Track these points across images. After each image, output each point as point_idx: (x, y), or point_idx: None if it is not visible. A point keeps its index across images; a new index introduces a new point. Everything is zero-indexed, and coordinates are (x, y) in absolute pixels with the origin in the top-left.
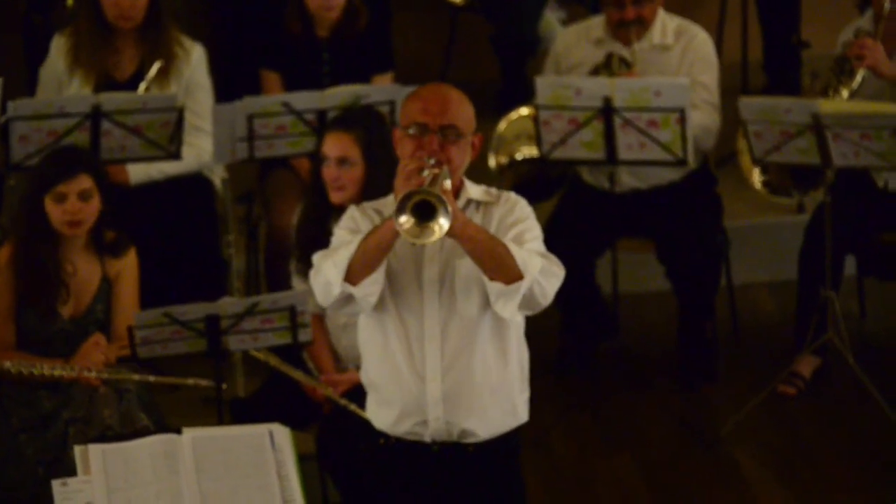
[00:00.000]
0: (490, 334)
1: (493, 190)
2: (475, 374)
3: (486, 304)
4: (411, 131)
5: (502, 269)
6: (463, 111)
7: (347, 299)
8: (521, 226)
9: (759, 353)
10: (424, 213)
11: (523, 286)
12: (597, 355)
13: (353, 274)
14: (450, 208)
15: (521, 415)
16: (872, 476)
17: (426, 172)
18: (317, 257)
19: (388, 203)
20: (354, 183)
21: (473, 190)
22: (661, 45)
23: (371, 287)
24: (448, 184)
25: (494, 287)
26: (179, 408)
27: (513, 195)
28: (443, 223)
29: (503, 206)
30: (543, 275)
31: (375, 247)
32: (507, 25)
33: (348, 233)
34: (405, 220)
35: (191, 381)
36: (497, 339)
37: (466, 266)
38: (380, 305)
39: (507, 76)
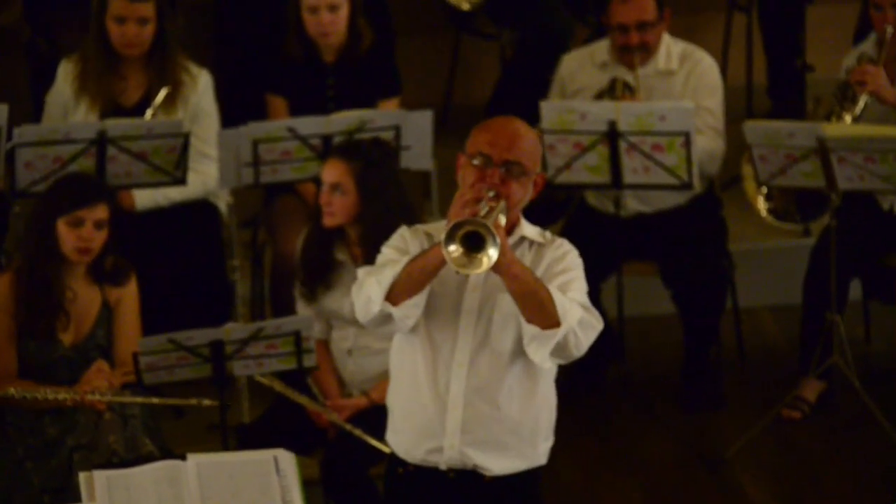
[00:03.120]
0: (521, 374)
1: (548, 234)
2: (498, 410)
3: (521, 345)
4: (475, 161)
5: (541, 313)
6: (530, 149)
7: (386, 319)
8: (568, 275)
9: (764, 377)
10: (474, 243)
11: (559, 334)
12: (602, 379)
13: (396, 294)
14: (499, 241)
15: (540, 459)
16: (877, 500)
17: (483, 204)
18: (362, 272)
19: (441, 227)
20: (344, 211)
21: (528, 229)
22: (666, 69)
23: (411, 310)
24: (503, 219)
25: (530, 329)
26: (184, 434)
27: (566, 243)
28: (492, 254)
29: (555, 250)
30: (581, 326)
31: (420, 271)
32: (535, 23)
33: (395, 251)
34: (454, 248)
35: (194, 401)
36: (528, 380)
37: (508, 301)
38: (415, 330)
39: (503, 92)
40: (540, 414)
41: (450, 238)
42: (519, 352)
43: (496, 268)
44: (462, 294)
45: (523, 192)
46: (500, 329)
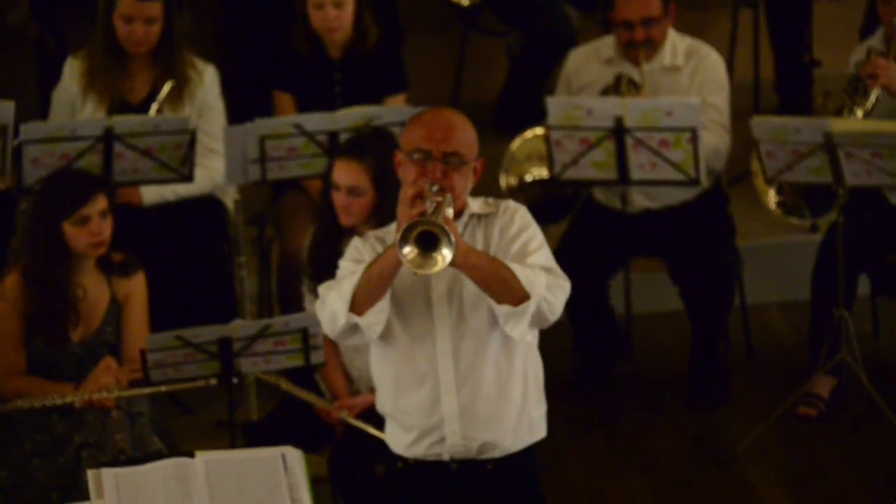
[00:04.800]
0: (500, 346)
1: (491, 200)
2: (489, 385)
3: (496, 316)
4: (414, 157)
5: (508, 292)
6: (466, 137)
7: (353, 329)
8: (523, 236)
9: (772, 374)
10: (427, 243)
11: (531, 306)
12: (610, 376)
13: (358, 304)
14: (453, 238)
15: (539, 429)
16: (887, 496)
17: (429, 203)
18: (322, 289)
19: (392, 231)
20: (363, 210)
21: (475, 205)
22: (672, 66)
23: (377, 316)
24: (451, 211)
25: (502, 310)
26: (192, 431)
27: (511, 203)
28: (446, 254)
29: (503, 216)
30: (549, 291)
31: (378, 276)
32: (541, 22)
33: (353, 263)
34: (408, 250)
35: (201, 383)
36: (506, 349)
37: None
38: (387, 332)
39: (510, 90)
40: (527, 377)
41: (403, 241)
42: (495, 324)
43: (453, 264)
44: (429, 285)
45: (465, 182)
46: (473, 308)
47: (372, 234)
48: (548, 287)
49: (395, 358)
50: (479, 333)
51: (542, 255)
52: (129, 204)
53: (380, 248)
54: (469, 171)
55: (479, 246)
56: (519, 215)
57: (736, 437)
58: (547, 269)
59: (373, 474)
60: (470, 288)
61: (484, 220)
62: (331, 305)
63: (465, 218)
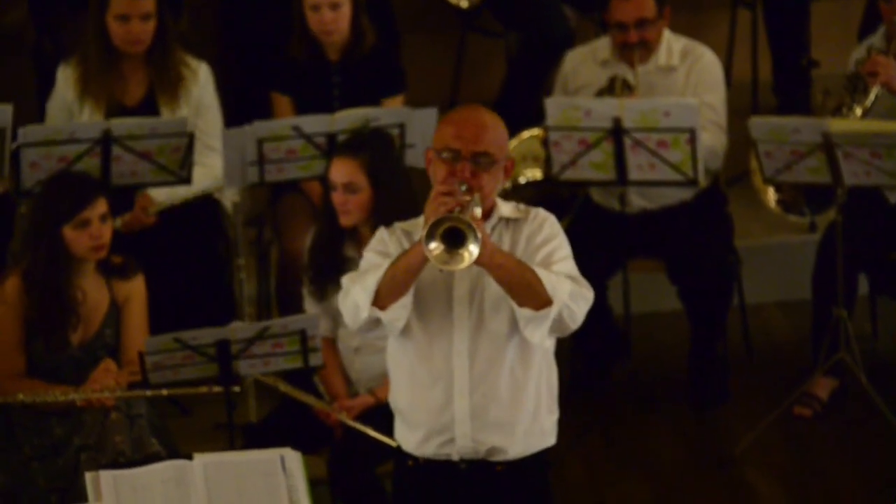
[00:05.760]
0: (517, 351)
1: (522, 206)
2: (503, 391)
3: (516, 322)
4: (444, 155)
5: (531, 295)
6: (496, 137)
7: (375, 323)
8: (550, 245)
9: (772, 374)
10: (454, 239)
11: (552, 312)
12: (609, 377)
13: (382, 298)
14: (479, 235)
15: (549, 436)
16: (885, 496)
17: (458, 199)
18: (346, 280)
19: (418, 224)
20: (361, 207)
21: (504, 208)
22: (667, 66)
23: (399, 311)
24: (478, 211)
25: (524, 313)
26: (191, 433)
27: (542, 212)
28: (472, 250)
29: (532, 223)
30: (572, 298)
31: (404, 271)
32: (538, 24)
33: (377, 255)
34: (434, 246)
35: (204, 389)
36: (523, 355)
37: (496, 284)
38: (405, 327)
39: (509, 91)
40: (541, 385)
41: (430, 236)
42: (514, 330)
43: (479, 262)
44: (451, 285)
45: (494, 182)
46: (493, 311)
47: (399, 225)
48: (571, 295)
49: (412, 353)
50: (497, 338)
51: (568, 264)
52: (145, 210)
53: (405, 241)
54: (499, 170)
55: (506, 249)
56: (548, 224)
57: (735, 437)
58: (572, 279)
59: (372, 476)
60: (492, 291)
61: (513, 224)
62: (354, 298)
63: (493, 220)
